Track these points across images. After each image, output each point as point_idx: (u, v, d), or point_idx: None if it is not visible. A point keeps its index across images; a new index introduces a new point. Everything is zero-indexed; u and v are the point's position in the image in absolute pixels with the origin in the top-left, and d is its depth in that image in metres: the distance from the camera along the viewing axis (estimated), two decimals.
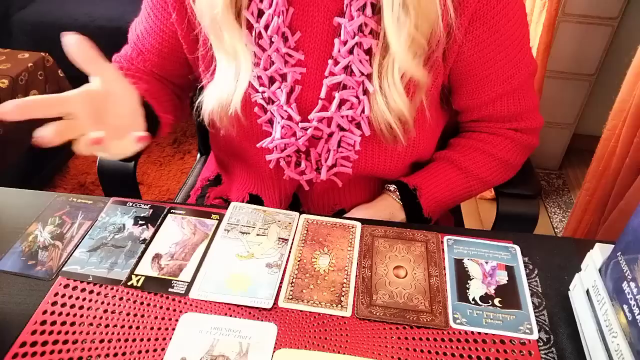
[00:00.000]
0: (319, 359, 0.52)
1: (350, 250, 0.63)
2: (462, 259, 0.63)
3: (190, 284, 0.58)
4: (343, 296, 0.58)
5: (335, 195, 0.79)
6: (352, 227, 0.67)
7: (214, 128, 0.73)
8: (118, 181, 0.84)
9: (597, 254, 0.55)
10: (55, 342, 0.52)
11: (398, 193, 0.75)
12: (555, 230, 1.77)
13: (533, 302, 0.58)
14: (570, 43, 1.71)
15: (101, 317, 0.55)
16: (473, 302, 0.58)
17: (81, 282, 0.58)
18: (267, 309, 0.56)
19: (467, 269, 0.61)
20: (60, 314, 0.55)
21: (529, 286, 0.60)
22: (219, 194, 0.90)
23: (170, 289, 0.58)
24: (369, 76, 0.64)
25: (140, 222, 0.66)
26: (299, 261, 0.62)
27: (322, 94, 0.66)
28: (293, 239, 0.65)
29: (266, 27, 0.63)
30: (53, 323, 0.54)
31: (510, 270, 0.61)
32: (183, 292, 0.58)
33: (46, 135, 0.45)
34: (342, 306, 0.56)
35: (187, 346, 0.52)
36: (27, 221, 0.66)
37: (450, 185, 0.75)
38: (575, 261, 0.60)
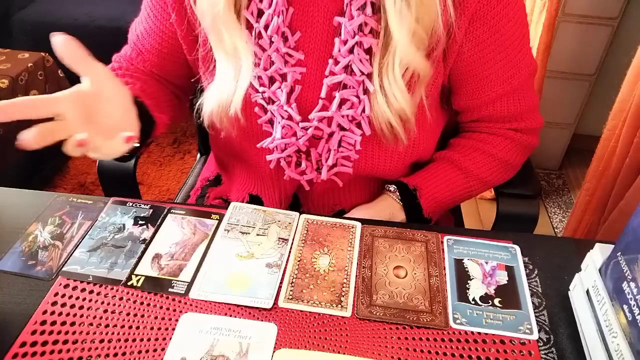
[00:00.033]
0: (319, 359, 0.52)
1: (350, 250, 0.63)
2: (462, 259, 0.63)
3: (190, 284, 0.58)
4: (343, 296, 0.58)
5: (336, 196, 0.79)
6: (352, 227, 0.67)
7: (214, 130, 0.73)
8: (118, 181, 0.84)
9: (597, 254, 0.55)
10: (55, 342, 0.52)
11: (398, 193, 0.75)
12: (555, 230, 1.77)
13: (533, 302, 0.58)
14: (570, 43, 1.71)
15: (101, 317, 0.55)
16: (473, 302, 0.58)
17: (81, 282, 0.58)
18: (267, 309, 0.56)
19: (467, 269, 0.61)
20: (60, 314, 0.55)
21: (529, 286, 0.60)
22: (219, 194, 0.90)
23: (170, 289, 0.58)
24: (370, 75, 0.64)
25: (140, 222, 0.66)
26: (299, 261, 0.62)
27: (323, 94, 0.66)
28: (293, 239, 0.65)
29: (266, 27, 0.63)
30: (53, 323, 0.54)
31: (510, 270, 0.61)
32: (183, 292, 0.58)
33: (29, 138, 0.44)
34: (342, 306, 0.56)
35: (187, 346, 0.52)
36: (27, 221, 0.66)
37: (450, 186, 0.75)
38: (575, 261, 0.60)
